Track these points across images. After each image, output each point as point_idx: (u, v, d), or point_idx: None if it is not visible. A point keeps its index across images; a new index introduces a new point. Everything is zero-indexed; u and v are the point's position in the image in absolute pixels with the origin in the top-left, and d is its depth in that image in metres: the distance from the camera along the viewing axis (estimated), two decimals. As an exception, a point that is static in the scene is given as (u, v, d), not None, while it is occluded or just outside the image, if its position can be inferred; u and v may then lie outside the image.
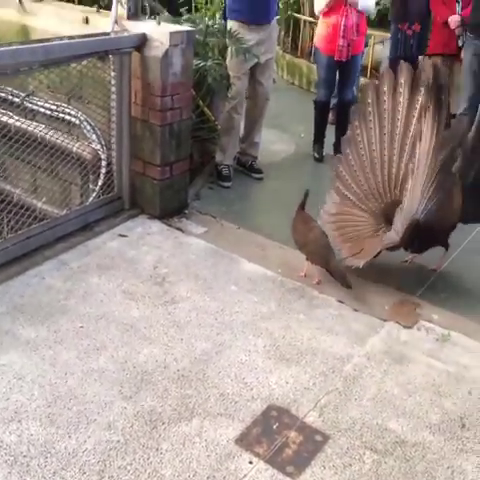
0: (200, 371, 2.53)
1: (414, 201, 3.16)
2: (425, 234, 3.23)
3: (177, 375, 2.50)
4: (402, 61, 3.48)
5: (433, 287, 3.30)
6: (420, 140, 3.13)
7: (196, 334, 2.75)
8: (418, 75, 3.29)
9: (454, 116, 5.61)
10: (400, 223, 3.13)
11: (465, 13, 5.40)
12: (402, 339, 2.83)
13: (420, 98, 3.26)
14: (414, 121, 3.30)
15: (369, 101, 3.45)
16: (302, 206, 3.31)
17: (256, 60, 4.30)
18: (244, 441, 2.21)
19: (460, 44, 5.51)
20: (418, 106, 3.27)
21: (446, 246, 3.40)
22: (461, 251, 3.65)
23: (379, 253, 3.21)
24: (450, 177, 3.22)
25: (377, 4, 5.60)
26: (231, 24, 4.33)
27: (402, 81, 3.35)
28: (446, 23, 5.44)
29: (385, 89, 3.41)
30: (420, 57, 6.03)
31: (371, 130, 3.45)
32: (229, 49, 4.28)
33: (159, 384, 2.45)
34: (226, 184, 4.39)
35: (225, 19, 4.52)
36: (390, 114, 3.39)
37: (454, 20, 5.39)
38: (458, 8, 5.46)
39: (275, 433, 2.26)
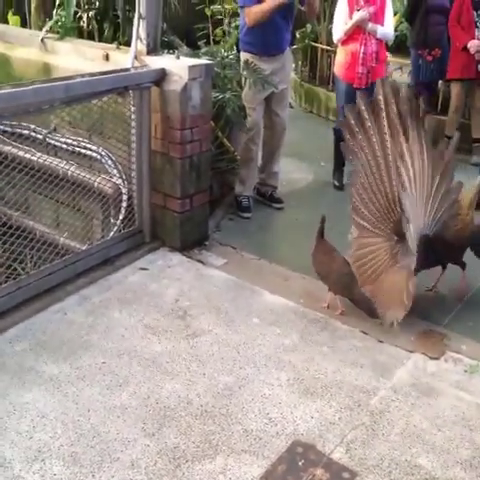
0: (223, 406, 2.50)
1: (419, 218, 3.14)
2: (439, 248, 3.21)
3: (200, 411, 2.47)
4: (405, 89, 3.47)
5: (459, 316, 3.23)
6: (409, 160, 3.20)
7: (218, 368, 2.72)
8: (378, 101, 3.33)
9: (478, 141, 5.61)
10: (410, 247, 3.10)
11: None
12: (429, 371, 2.76)
13: (394, 120, 3.29)
14: (395, 141, 3.31)
15: (356, 130, 3.43)
16: (321, 234, 3.27)
17: (271, 90, 4.33)
18: (269, 479, 2.16)
19: (479, 68, 5.51)
20: (390, 128, 3.30)
21: (462, 265, 3.36)
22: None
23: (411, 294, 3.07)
24: (454, 189, 3.27)
25: (394, 30, 5.62)
26: (244, 56, 4.37)
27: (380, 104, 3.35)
28: (465, 48, 5.44)
29: (365, 115, 3.39)
30: (440, 82, 6.05)
31: (367, 154, 3.42)
32: (245, 80, 4.31)
33: (182, 420, 2.42)
34: (246, 215, 4.39)
35: (238, 51, 4.58)
36: (376, 138, 3.37)
37: (474, 45, 5.39)
38: (477, 33, 5.47)
39: (301, 470, 2.21)
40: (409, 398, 2.58)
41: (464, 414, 2.51)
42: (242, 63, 4.37)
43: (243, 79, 4.34)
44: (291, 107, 5.09)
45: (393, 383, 2.67)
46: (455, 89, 5.73)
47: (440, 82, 6.08)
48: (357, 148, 3.43)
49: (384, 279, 3.17)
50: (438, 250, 3.22)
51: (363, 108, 3.38)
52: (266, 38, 4.23)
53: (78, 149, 3.87)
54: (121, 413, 2.43)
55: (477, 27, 5.49)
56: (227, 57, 4.64)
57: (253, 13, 4.14)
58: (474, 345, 2.95)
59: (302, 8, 4.47)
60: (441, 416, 2.49)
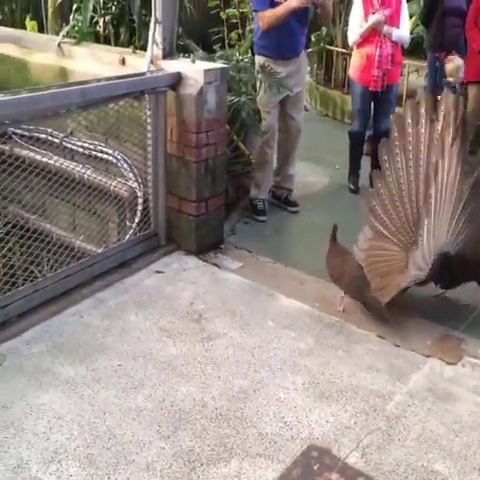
0: (238, 410, 2.50)
1: (441, 234, 3.09)
2: (458, 268, 3.14)
3: (215, 414, 2.47)
4: (421, 91, 3.45)
5: (477, 321, 3.18)
6: (441, 172, 3.10)
7: (233, 371, 2.72)
8: (439, 106, 3.26)
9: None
10: (421, 259, 3.07)
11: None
12: (446, 376, 2.73)
13: (440, 129, 3.20)
14: (435, 153, 3.23)
15: (395, 134, 3.40)
16: (334, 238, 3.27)
17: (286, 93, 4.33)
18: (284, 483, 2.16)
19: (496, 71, 5.46)
20: (439, 137, 3.21)
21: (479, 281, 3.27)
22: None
23: (405, 290, 3.14)
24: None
25: (410, 33, 5.59)
26: (259, 59, 4.37)
27: (423, 112, 3.31)
28: (482, 50, 5.40)
29: (409, 121, 3.35)
30: (457, 85, 6.00)
31: (398, 163, 3.39)
32: (260, 83, 4.30)
33: (197, 423, 2.42)
34: (261, 218, 4.39)
35: (253, 54, 4.58)
36: (414, 146, 3.33)
37: None
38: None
39: (316, 475, 2.19)
40: (425, 403, 2.56)
41: (482, 420, 2.48)
42: (257, 66, 4.37)
43: (258, 82, 4.34)
44: (306, 110, 5.07)
45: (409, 388, 2.65)
46: (472, 91, 5.69)
47: (457, 85, 6.02)
48: (400, 149, 3.36)
49: (393, 276, 3.19)
50: (457, 269, 3.15)
51: (423, 111, 3.31)
52: (281, 41, 4.23)
53: (94, 153, 3.90)
54: (136, 415, 2.44)
55: (494, 29, 5.45)
56: (242, 60, 4.65)
57: (267, 17, 4.15)
58: (492, 350, 2.92)
59: (317, 11, 4.47)
60: (458, 422, 2.47)
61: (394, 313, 3.18)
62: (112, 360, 2.75)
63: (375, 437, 2.38)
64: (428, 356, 2.86)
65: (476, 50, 5.48)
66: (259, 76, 4.29)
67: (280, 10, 4.10)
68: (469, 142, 5.47)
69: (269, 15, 4.14)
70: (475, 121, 5.75)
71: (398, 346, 2.93)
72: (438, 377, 2.73)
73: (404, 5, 4.77)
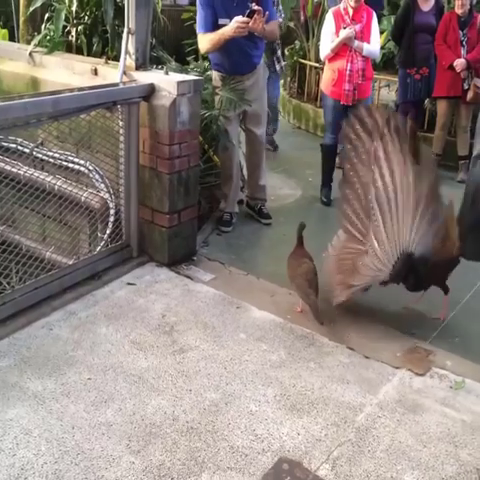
0: (209, 423, 2.49)
1: (403, 235, 3.18)
2: (422, 270, 3.20)
3: (186, 427, 2.46)
4: (391, 106, 3.56)
5: (445, 332, 3.24)
6: (391, 177, 3.24)
7: (205, 384, 2.71)
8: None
9: (463, 158, 5.69)
10: (379, 260, 3.17)
11: (470, 57, 5.49)
12: (415, 387, 2.77)
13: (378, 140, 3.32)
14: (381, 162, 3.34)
15: (348, 146, 3.52)
16: (300, 241, 3.41)
17: (243, 108, 4.26)
18: (255, 497, 2.15)
19: (465, 87, 5.59)
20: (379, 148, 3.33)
21: (445, 289, 3.32)
22: (473, 294, 3.61)
23: (367, 289, 3.27)
24: (442, 210, 3.27)
25: (382, 48, 5.69)
26: (215, 74, 4.29)
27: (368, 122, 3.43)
28: (451, 66, 5.53)
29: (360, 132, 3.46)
30: (426, 100, 6.13)
31: (359, 171, 3.46)
32: (218, 99, 4.22)
33: (168, 437, 2.40)
34: (225, 229, 4.36)
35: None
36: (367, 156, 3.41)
37: (460, 63, 5.48)
38: (463, 52, 5.56)
39: (287, 488, 2.20)
40: (395, 414, 2.59)
41: (449, 430, 2.51)
42: (213, 81, 4.29)
43: (216, 97, 4.23)
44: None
45: (379, 399, 2.67)
46: (441, 107, 5.82)
47: (427, 100, 6.15)
48: (357, 158, 3.46)
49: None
50: (421, 272, 3.21)
51: (358, 127, 3.46)
52: (233, 59, 4.11)
53: (65, 163, 3.87)
54: (106, 430, 2.41)
55: (463, 46, 5.59)
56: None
57: (204, 41, 4.02)
58: (459, 361, 2.97)
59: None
60: (426, 432, 2.50)
61: (364, 325, 3.23)
62: (82, 374, 2.71)
63: (345, 449, 2.39)
64: (397, 368, 2.90)
65: (445, 66, 5.61)
66: (218, 91, 4.22)
67: (215, 38, 3.94)
68: (440, 155, 5.62)
69: (206, 40, 4.00)
70: (444, 135, 5.89)
71: (368, 358, 2.96)
72: (407, 388, 2.76)
73: (374, 20, 4.85)
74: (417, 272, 3.21)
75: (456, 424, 2.55)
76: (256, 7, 3.86)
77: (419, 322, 3.33)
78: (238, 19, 3.84)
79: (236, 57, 4.11)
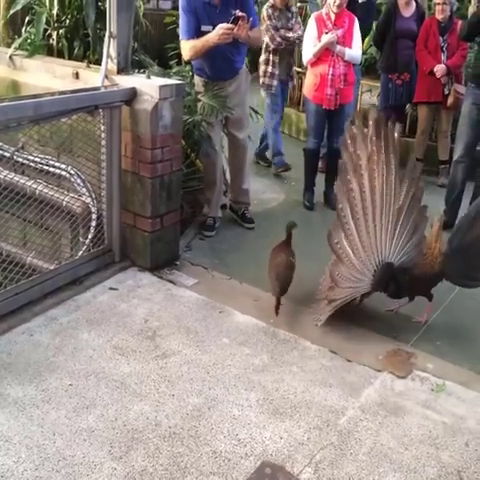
0: (192, 428, 2.48)
1: (383, 245, 3.20)
2: (401, 279, 3.21)
3: (168, 432, 2.45)
4: (372, 111, 3.58)
5: (427, 335, 3.27)
6: (370, 186, 3.27)
7: (188, 389, 2.70)
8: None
9: (444, 163, 5.75)
10: (359, 270, 3.20)
11: (450, 62, 5.56)
12: (397, 390, 2.78)
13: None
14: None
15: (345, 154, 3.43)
16: (288, 237, 3.48)
17: (226, 114, 4.28)
18: (238, 502, 2.15)
19: (446, 92, 5.66)
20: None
21: (428, 297, 3.34)
22: (454, 297, 3.64)
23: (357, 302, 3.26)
24: (424, 221, 3.27)
25: (363, 53, 5.73)
26: (197, 80, 4.29)
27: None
28: (432, 72, 5.59)
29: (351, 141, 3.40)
30: (407, 105, 6.19)
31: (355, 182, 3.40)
32: (200, 104, 4.22)
33: (150, 443, 2.39)
34: (207, 234, 4.35)
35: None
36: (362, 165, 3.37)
37: (440, 69, 5.54)
38: (443, 57, 5.62)
39: (269, 492, 2.20)
40: (377, 417, 2.60)
41: (430, 433, 2.53)
42: (195, 87, 4.29)
43: (199, 103, 4.23)
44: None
45: (361, 402, 2.68)
46: (422, 112, 5.88)
47: (408, 105, 6.21)
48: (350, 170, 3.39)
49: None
50: (401, 282, 3.23)
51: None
52: (215, 64, 4.11)
53: (46, 167, 3.84)
54: (87, 436, 2.39)
55: (443, 51, 5.65)
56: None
57: (188, 49, 4.01)
58: (440, 363, 2.99)
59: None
60: (408, 435, 2.51)
61: (346, 327, 3.24)
62: (63, 379, 2.69)
63: (328, 452, 2.40)
64: (379, 370, 2.91)
65: (426, 72, 5.66)
66: (201, 96, 4.23)
67: (199, 44, 3.93)
68: (421, 160, 5.67)
69: (189, 48, 3.99)
70: (425, 140, 5.95)
71: (350, 361, 2.97)
72: (389, 391, 2.77)
73: (356, 26, 4.89)
74: (398, 281, 3.22)
75: (437, 426, 2.57)
76: (240, 13, 3.86)
77: (401, 325, 3.35)
78: (223, 26, 3.83)
79: (218, 63, 4.11)
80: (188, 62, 5.40)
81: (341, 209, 3.33)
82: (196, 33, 3.97)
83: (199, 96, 4.25)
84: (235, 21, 3.84)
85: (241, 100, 4.40)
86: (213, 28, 3.90)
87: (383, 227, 3.22)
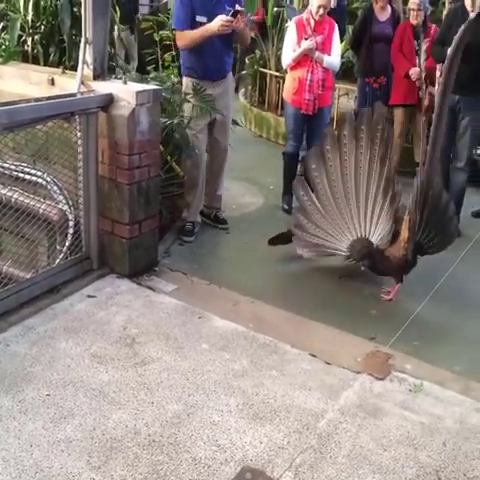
0: (171, 435, 2.47)
1: (363, 222, 3.80)
2: (377, 257, 3.66)
3: (148, 441, 2.43)
4: (349, 114, 3.90)
5: (405, 335, 3.30)
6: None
7: (167, 396, 2.69)
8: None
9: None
10: (327, 226, 3.87)
11: (425, 66, 5.60)
12: (375, 391, 2.80)
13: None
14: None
15: (327, 147, 3.98)
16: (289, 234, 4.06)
17: (214, 116, 4.32)
18: (218, 508, 2.15)
19: (421, 95, 5.71)
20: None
21: (397, 279, 3.66)
22: (431, 298, 3.68)
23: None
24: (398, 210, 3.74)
25: (341, 57, 5.77)
26: (186, 81, 4.34)
27: (363, 127, 3.89)
28: (407, 75, 5.64)
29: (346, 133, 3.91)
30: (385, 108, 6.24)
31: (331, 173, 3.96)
32: (189, 106, 4.26)
33: (129, 451, 2.37)
34: (187, 239, 4.35)
35: (181, 76, 4.59)
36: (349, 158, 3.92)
37: (415, 72, 5.58)
38: (418, 61, 5.67)
39: (250, 497, 2.19)
40: (356, 419, 2.61)
41: (409, 433, 2.55)
42: (184, 88, 4.34)
43: (185, 105, 4.29)
44: (238, 125, 5.10)
45: (340, 405, 2.70)
46: (398, 115, 5.92)
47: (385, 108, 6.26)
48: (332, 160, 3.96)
49: None
50: (376, 261, 3.66)
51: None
52: (207, 62, 4.21)
53: (22, 175, 3.80)
54: (65, 447, 2.37)
55: (418, 55, 5.69)
56: (178, 83, 4.65)
57: (184, 38, 4.13)
58: (418, 364, 3.02)
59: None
60: (387, 436, 2.53)
61: (325, 330, 3.27)
62: (40, 390, 2.66)
63: (308, 456, 2.40)
64: (358, 372, 2.93)
65: (401, 75, 5.70)
66: (190, 98, 4.28)
67: (197, 34, 4.07)
68: (397, 162, 5.74)
69: (186, 37, 4.12)
70: (401, 143, 6.00)
71: (329, 364, 2.98)
72: (368, 393, 2.79)
73: (336, 32, 4.92)
74: (372, 258, 3.67)
75: (415, 427, 2.59)
76: (239, 8, 4.09)
77: (379, 326, 3.38)
78: (223, 18, 4.01)
79: (211, 60, 4.21)
80: (166, 66, 5.42)
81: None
82: (191, 23, 4.11)
83: (188, 97, 4.28)
84: (234, 14, 4.06)
85: (227, 104, 4.48)
86: (207, 19, 4.06)
87: (364, 207, 3.77)
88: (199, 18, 4.09)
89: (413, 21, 5.65)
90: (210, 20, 4.06)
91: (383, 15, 5.95)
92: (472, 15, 4.56)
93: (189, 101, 4.27)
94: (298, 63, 4.84)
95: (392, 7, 6.06)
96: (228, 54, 4.37)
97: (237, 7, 4.07)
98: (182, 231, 4.41)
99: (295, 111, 4.95)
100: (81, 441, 2.40)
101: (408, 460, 2.41)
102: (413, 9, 5.62)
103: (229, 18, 4.02)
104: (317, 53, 4.77)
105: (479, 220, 4.96)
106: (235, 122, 5.09)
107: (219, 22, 4.00)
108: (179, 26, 4.17)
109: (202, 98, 4.22)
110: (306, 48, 4.74)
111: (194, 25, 4.10)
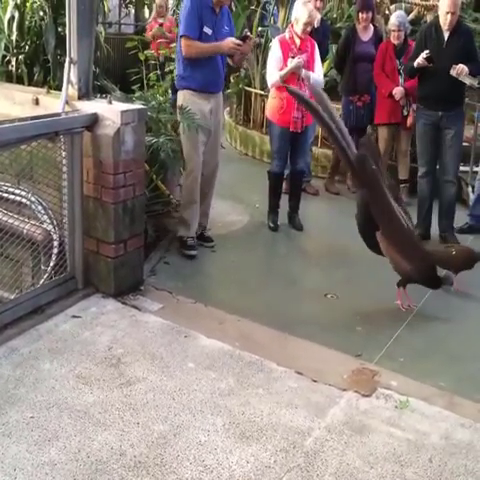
0: (157, 456, 2.44)
1: None
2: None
3: (133, 462, 2.41)
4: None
5: (391, 352, 3.31)
6: None
7: (153, 416, 2.67)
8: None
9: (404, 182, 5.90)
10: None
11: (408, 84, 5.70)
12: (361, 408, 2.80)
13: None
14: None
15: None
16: None
17: (209, 132, 4.37)
18: None
19: (405, 113, 5.80)
20: None
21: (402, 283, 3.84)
22: (417, 314, 3.71)
23: None
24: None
25: (325, 76, 5.84)
26: (182, 94, 4.38)
27: None
28: (390, 94, 5.73)
29: None
30: (368, 126, 6.33)
31: None
32: (181, 125, 4.33)
33: (114, 473, 2.34)
34: (192, 253, 4.36)
35: (173, 92, 4.61)
36: None
37: (398, 91, 5.68)
38: (401, 80, 5.77)
39: (237, 519, 2.18)
40: (343, 437, 2.61)
41: (395, 450, 2.55)
42: (182, 101, 4.35)
43: (181, 125, 4.33)
44: (222, 147, 5.15)
45: (327, 423, 2.69)
46: (382, 133, 6.00)
47: (369, 126, 6.34)
48: None
49: None
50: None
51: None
52: (206, 73, 4.30)
53: (6, 195, 3.79)
54: (50, 470, 2.33)
55: (400, 74, 5.79)
56: (165, 102, 4.68)
57: (194, 48, 4.22)
58: (404, 380, 3.02)
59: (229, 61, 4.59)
60: (373, 453, 2.52)
61: (311, 347, 3.27)
62: (24, 412, 2.63)
63: (294, 474, 2.39)
64: (344, 390, 2.93)
65: (385, 95, 5.79)
66: (179, 117, 4.30)
67: (209, 49, 4.23)
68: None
69: (196, 46, 4.22)
70: (385, 161, 6.06)
71: (316, 381, 2.98)
72: (354, 410, 2.79)
73: (317, 51, 4.99)
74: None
75: (401, 443, 2.59)
76: (249, 33, 4.45)
77: (365, 343, 3.39)
78: (233, 40, 4.25)
79: (210, 73, 4.32)
80: (151, 86, 5.46)
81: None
82: (200, 33, 4.27)
83: (181, 111, 4.31)
84: (243, 39, 4.32)
85: (219, 122, 4.57)
86: (212, 31, 4.27)
87: None
88: (206, 29, 4.24)
89: (394, 41, 5.76)
90: (214, 33, 4.24)
91: (366, 35, 6.05)
92: (446, 33, 4.69)
93: (177, 118, 4.30)
94: (285, 82, 4.85)
95: (375, 27, 6.17)
96: (223, 70, 4.51)
97: (247, 32, 4.39)
98: (185, 246, 4.40)
99: (282, 131, 4.95)
100: (66, 464, 2.37)
101: (395, 477, 2.40)
102: (394, 30, 5.74)
103: (239, 41, 4.23)
104: (304, 71, 4.82)
105: (464, 236, 5.00)
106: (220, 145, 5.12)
107: (230, 44, 4.21)
108: (191, 33, 4.22)
109: (188, 116, 4.23)
110: (294, 66, 4.78)
111: (200, 35, 4.23)
